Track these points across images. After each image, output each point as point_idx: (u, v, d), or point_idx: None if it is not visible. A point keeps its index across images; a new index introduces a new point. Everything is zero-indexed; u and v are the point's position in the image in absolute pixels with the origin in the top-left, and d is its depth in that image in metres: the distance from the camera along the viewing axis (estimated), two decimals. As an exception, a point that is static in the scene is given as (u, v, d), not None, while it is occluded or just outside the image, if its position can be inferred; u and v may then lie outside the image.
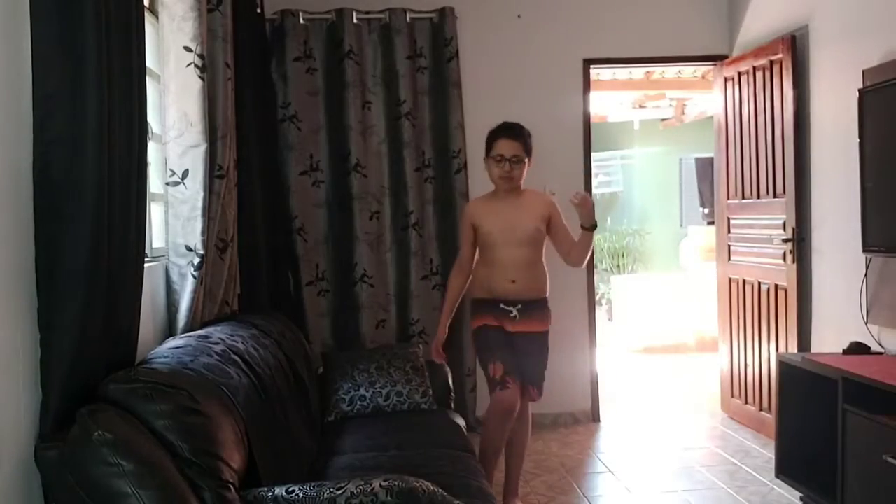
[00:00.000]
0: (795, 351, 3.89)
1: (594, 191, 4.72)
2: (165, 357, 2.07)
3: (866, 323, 3.34)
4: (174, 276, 2.65)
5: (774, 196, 4.15)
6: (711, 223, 6.08)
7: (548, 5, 4.62)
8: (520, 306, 3.22)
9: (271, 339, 2.89)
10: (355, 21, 4.36)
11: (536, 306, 3.27)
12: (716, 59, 4.74)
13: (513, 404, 3.12)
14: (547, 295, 3.33)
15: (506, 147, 3.20)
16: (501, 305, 3.23)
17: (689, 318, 7.00)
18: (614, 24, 4.67)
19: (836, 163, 3.69)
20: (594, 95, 4.87)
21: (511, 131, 3.23)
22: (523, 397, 3.25)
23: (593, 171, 4.76)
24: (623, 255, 9.02)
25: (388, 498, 1.75)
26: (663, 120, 9.02)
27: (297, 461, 2.56)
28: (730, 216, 4.65)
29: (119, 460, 1.51)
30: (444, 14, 4.41)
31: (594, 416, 4.74)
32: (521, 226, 3.22)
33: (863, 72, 3.32)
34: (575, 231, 3.26)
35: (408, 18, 4.40)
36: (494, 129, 3.30)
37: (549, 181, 4.58)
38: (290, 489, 1.80)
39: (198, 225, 2.64)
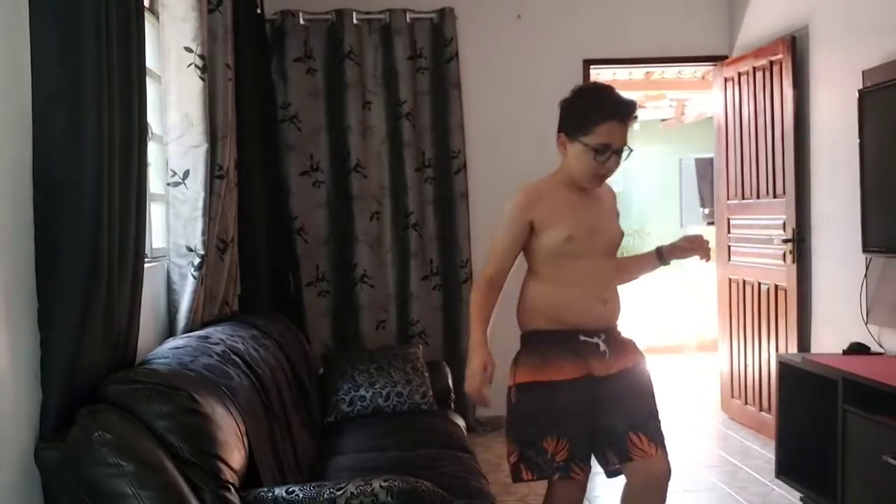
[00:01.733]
0: (795, 351, 3.88)
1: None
2: (165, 357, 2.07)
3: (866, 323, 3.34)
4: (174, 277, 2.65)
5: (774, 196, 4.15)
6: (711, 223, 6.07)
7: (548, 5, 4.62)
8: (603, 336, 2.27)
9: (271, 340, 2.89)
10: (355, 21, 4.36)
11: (618, 332, 2.37)
12: (716, 59, 4.74)
13: (579, 502, 2.30)
14: None
15: (616, 134, 2.17)
16: (582, 338, 2.24)
17: (689, 318, 7.01)
18: (614, 25, 4.67)
19: (836, 163, 3.69)
20: (594, 96, 4.86)
21: (626, 111, 2.18)
22: (632, 461, 2.23)
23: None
24: (622, 255, 9.02)
25: (389, 498, 1.75)
26: (663, 120, 9.03)
27: (297, 461, 2.56)
28: (730, 216, 4.65)
29: (119, 461, 1.51)
30: (444, 14, 4.41)
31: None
32: (607, 227, 2.34)
33: (863, 72, 3.32)
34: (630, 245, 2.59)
35: (408, 19, 4.40)
36: (591, 100, 2.21)
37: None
38: (290, 489, 1.80)
39: (198, 225, 2.64)
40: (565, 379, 2.20)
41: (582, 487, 2.30)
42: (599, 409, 2.23)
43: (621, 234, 2.39)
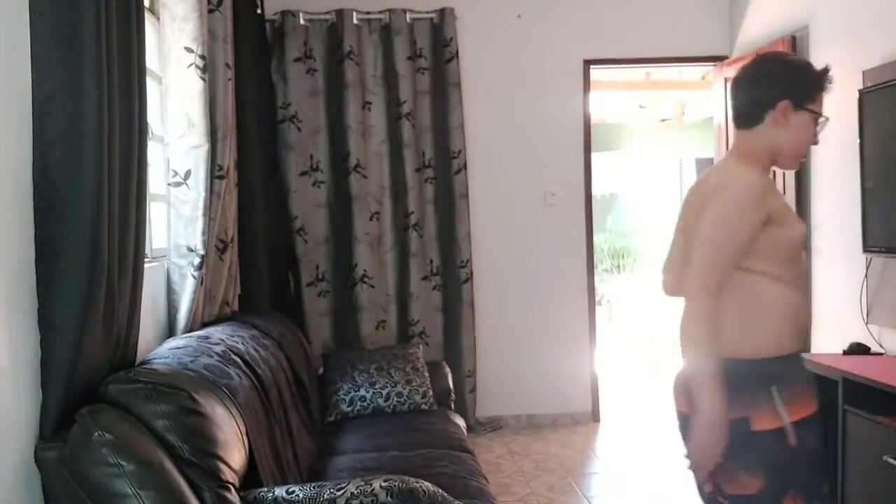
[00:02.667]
0: (795, 351, 3.88)
1: (594, 191, 4.72)
2: (165, 357, 2.07)
3: (866, 323, 3.34)
4: (174, 277, 2.65)
5: (774, 196, 4.14)
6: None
7: (548, 5, 4.62)
8: None
9: (271, 340, 2.89)
10: (355, 21, 4.36)
11: None
12: (716, 59, 4.74)
13: None
14: None
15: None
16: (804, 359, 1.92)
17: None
18: (614, 24, 4.67)
19: (835, 163, 3.69)
20: (594, 95, 4.87)
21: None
22: None
23: (593, 171, 4.75)
24: (623, 256, 9.03)
25: (389, 498, 1.75)
26: (663, 120, 9.02)
27: (297, 461, 2.56)
28: (730, 216, 4.64)
29: (119, 461, 1.51)
30: (444, 14, 4.41)
31: (594, 416, 4.74)
32: None
33: (863, 72, 3.32)
34: None
35: (408, 19, 4.40)
36: (808, 65, 1.95)
37: (549, 181, 4.62)
38: (290, 489, 1.80)
39: (199, 225, 2.64)
40: (815, 411, 1.80)
41: None
42: None
43: None
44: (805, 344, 1.81)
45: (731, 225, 1.78)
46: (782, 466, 1.75)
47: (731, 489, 1.80)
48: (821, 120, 1.90)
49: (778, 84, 1.88)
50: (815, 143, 1.92)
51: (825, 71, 1.89)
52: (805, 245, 1.84)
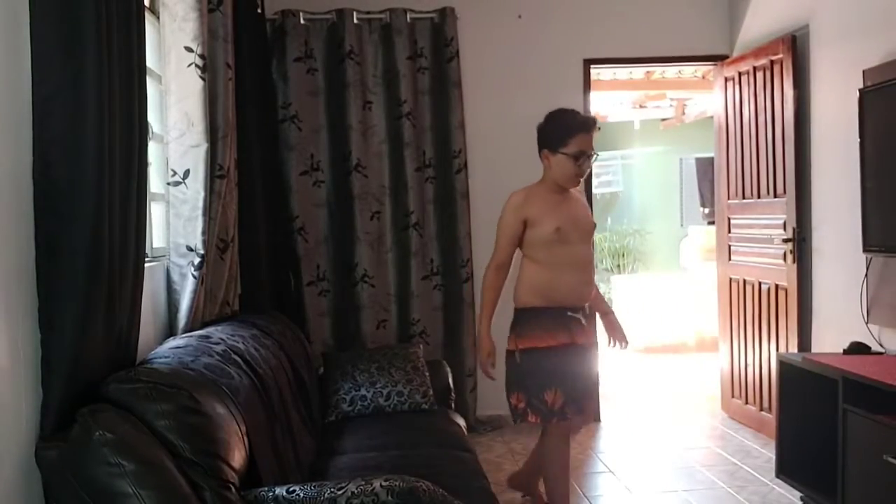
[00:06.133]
0: (795, 351, 3.88)
1: (594, 191, 4.72)
2: (166, 357, 2.07)
3: (867, 323, 3.34)
4: (175, 276, 2.64)
5: (775, 196, 4.15)
6: (711, 223, 6.08)
7: (548, 5, 4.63)
8: (580, 312, 2.99)
9: (272, 339, 2.89)
10: (356, 21, 4.37)
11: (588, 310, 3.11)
12: (716, 59, 4.74)
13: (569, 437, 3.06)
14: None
15: (586, 143, 2.90)
16: (569, 313, 2.94)
17: (689, 318, 7.00)
18: (614, 24, 4.67)
19: (836, 163, 3.69)
20: (594, 95, 4.87)
21: (591, 123, 2.95)
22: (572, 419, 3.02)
23: (593, 171, 4.75)
24: (623, 255, 9.02)
25: (389, 498, 1.75)
26: (663, 120, 9.01)
27: (298, 461, 2.56)
28: (730, 216, 4.65)
29: (119, 460, 1.51)
30: (445, 14, 4.42)
31: (594, 416, 4.73)
32: (584, 219, 3.04)
33: (863, 72, 3.32)
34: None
35: (408, 18, 4.40)
36: (568, 122, 2.93)
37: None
38: (291, 489, 1.80)
39: (199, 225, 2.64)
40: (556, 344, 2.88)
41: (572, 427, 3.02)
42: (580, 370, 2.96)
43: (594, 224, 3.13)
44: (553, 304, 2.91)
45: (502, 227, 2.98)
46: (511, 376, 2.95)
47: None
48: (582, 157, 2.89)
49: (540, 138, 2.97)
50: (580, 174, 2.92)
51: (581, 120, 2.94)
52: (562, 238, 2.87)
